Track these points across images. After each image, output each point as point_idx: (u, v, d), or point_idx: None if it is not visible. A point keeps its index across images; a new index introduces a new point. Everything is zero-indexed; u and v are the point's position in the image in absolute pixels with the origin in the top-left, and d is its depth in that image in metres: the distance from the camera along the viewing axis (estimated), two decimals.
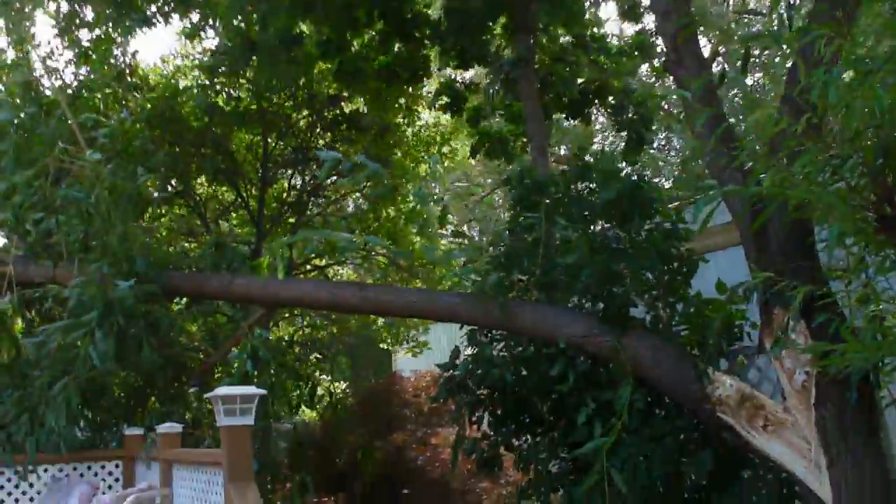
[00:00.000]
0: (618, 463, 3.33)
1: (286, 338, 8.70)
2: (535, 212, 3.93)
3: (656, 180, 13.35)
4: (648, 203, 3.74)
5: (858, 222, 2.46)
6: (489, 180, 14.74)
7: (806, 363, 2.92)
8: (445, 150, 9.38)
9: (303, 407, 7.62)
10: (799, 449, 2.95)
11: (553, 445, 3.89)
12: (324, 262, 9.43)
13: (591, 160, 4.03)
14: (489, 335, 4.41)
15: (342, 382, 10.01)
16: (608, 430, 3.27)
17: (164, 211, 8.71)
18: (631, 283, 3.68)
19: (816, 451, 2.86)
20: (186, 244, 8.67)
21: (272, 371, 4.96)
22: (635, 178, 3.79)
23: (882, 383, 2.74)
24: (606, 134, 14.72)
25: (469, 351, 4.43)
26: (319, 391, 7.73)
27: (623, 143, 7.81)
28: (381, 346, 10.41)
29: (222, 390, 3.45)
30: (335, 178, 7.76)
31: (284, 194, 9.36)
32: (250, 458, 3.41)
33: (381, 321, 9.19)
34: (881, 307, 2.64)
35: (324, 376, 9.32)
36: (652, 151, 14.08)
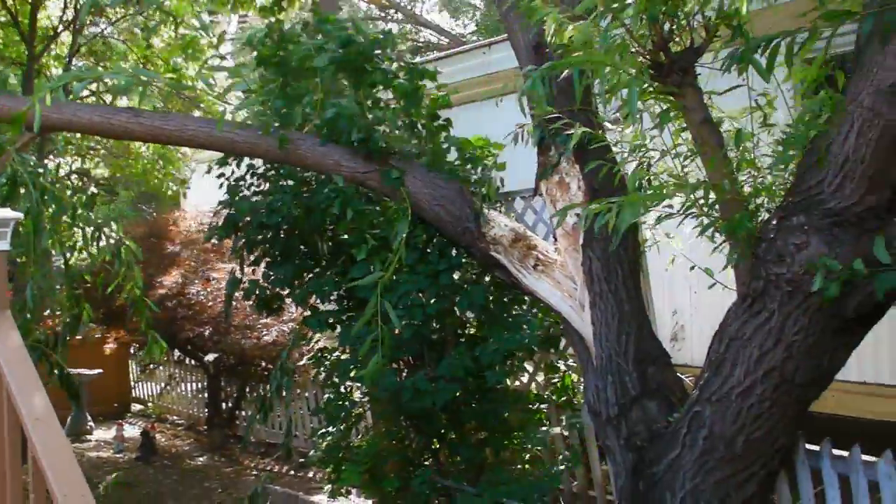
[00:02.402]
0: (394, 299, 3.21)
1: (63, 169, 7.72)
2: (281, 71, 3.55)
3: None
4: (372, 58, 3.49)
5: (634, 71, 2.33)
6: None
7: (578, 205, 2.85)
8: None
9: (79, 245, 6.88)
10: (566, 288, 2.96)
11: (333, 283, 3.69)
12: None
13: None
14: (270, 173, 4.06)
15: (123, 219, 9.03)
16: (385, 267, 3.12)
17: None
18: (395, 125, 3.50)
19: (581, 290, 2.87)
20: None
21: (35, 199, 4.23)
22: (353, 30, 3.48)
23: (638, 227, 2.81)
24: None
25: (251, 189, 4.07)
26: (96, 231, 6.98)
27: None
28: (166, 180, 9.44)
29: None
30: None
31: (60, 12, 7.78)
32: (5, 283, 2.90)
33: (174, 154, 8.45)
34: (650, 155, 2.62)
35: (100, 216, 8.35)
36: None
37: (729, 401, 2.37)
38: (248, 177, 4.09)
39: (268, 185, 4.01)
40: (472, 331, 3.72)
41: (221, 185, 4.14)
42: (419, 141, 3.66)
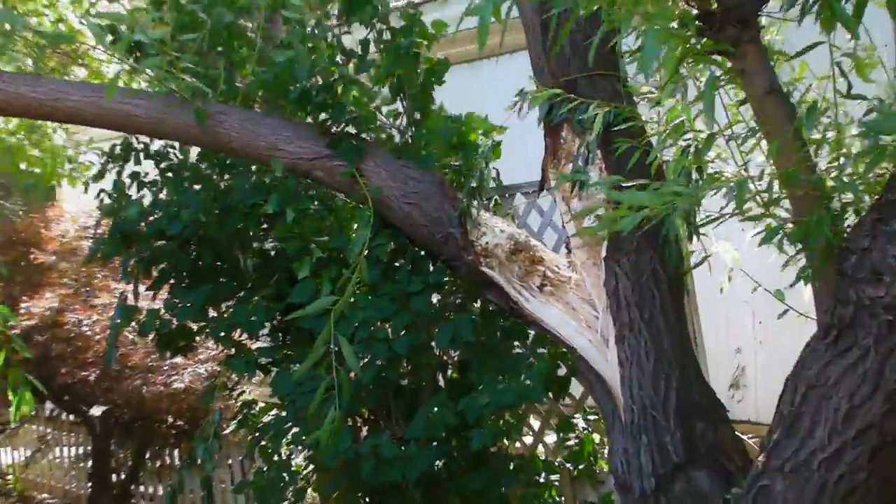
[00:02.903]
0: (348, 331, 3.23)
1: None
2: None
3: None
4: None
5: (675, 24, 2.34)
6: None
7: (601, 205, 2.88)
8: None
9: None
10: (583, 316, 2.97)
11: (265, 310, 3.70)
12: None
13: None
14: (179, 167, 4.12)
15: None
16: (339, 288, 3.12)
17: None
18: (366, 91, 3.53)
19: (605, 318, 2.88)
20: None
21: None
22: None
23: (692, 233, 2.81)
24: None
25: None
26: None
27: None
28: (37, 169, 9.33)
29: None
30: None
31: None
32: None
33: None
34: (698, 135, 2.58)
35: None
36: None
37: (808, 471, 2.34)
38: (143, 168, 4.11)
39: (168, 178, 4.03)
40: (456, 374, 3.74)
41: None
42: (397, 118, 3.73)
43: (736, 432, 2.87)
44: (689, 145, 2.70)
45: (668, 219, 2.13)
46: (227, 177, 4.01)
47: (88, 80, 7.14)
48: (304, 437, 3.51)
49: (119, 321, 4.05)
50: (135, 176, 4.21)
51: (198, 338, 4.14)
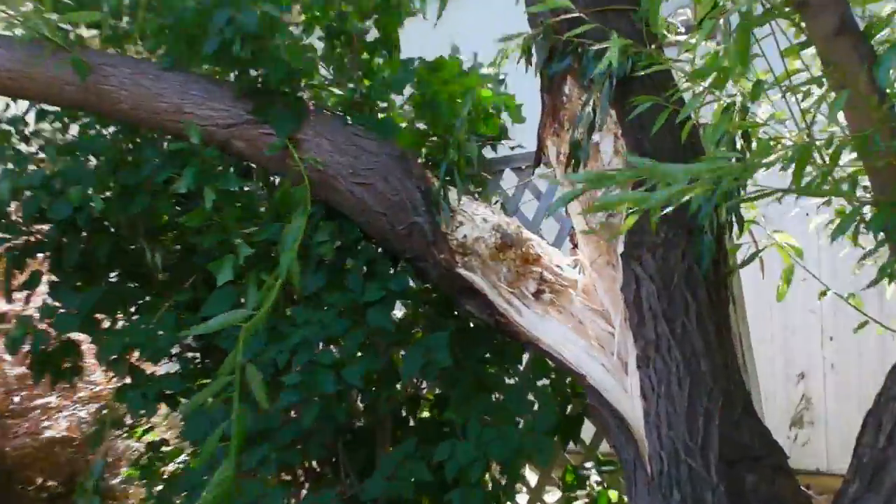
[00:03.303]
0: (283, 355, 3.22)
1: None
2: None
3: None
4: None
5: None
6: None
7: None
8: None
9: None
10: (593, 331, 2.97)
11: (174, 324, 3.63)
12: None
13: None
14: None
15: None
16: (261, 298, 3.10)
17: None
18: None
19: (622, 334, 2.86)
20: None
21: None
22: None
23: (738, 222, 2.77)
24: None
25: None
26: None
27: None
28: None
29: None
30: None
31: None
32: None
33: None
34: (745, 89, 2.54)
35: None
36: None
37: None
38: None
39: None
40: (430, 413, 3.75)
41: None
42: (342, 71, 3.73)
43: (799, 485, 2.83)
44: (732, 103, 2.67)
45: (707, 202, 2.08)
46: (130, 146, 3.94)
47: None
48: None
49: None
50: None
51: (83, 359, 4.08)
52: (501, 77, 3.73)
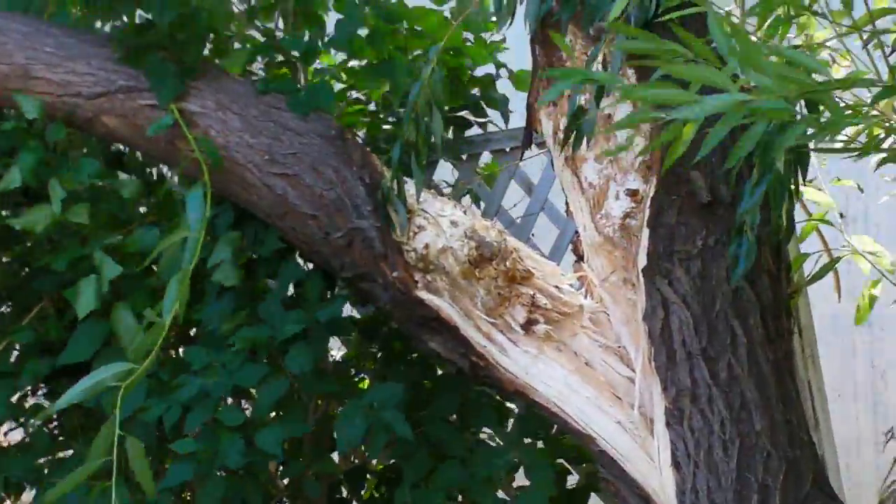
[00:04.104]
0: (174, 413, 3.22)
1: None
2: None
3: None
4: None
5: None
6: None
7: (636, 168, 2.89)
8: None
9: None
10: (606, 377, 2.97)
11: (12, 378, 3.62)
12: None
13: None
14: None
15: None
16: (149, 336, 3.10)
17: None
18: None
19: (646, 382, 2.86)
20: None
21: None
22: None
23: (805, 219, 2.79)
24: None
25: None
26: None
27: None
28: None
29: None
30: None
31: None
32: None
33: None
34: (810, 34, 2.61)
35: None
36: None
37: None
38: None
39: None
40: (377, 492, 3.76)
41: None
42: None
43: None
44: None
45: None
46: None
47: None
48: None
49: None
50: None
51: None
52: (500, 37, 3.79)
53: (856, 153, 2.35)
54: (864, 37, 2.61)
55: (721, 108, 1.93)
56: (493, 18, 3.47)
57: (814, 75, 2.10)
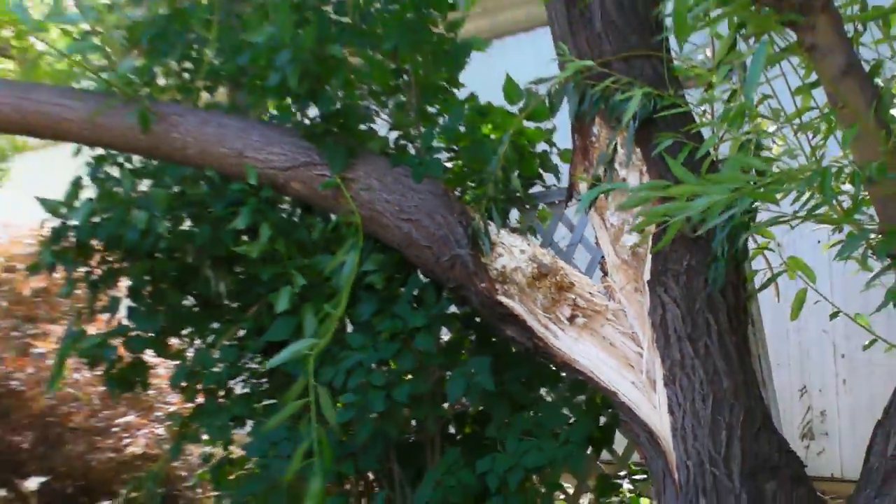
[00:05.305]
0: (339, 377, 3.27)
1: None
2: None
3: None
4: None
5: None
6: None
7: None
8: None
9: None
10: (625, 353, 2.96)
11: (238, 349, 3.72)
12: None
13: None
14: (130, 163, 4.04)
15: None
16: (321, 327, 3.16)
17: None
18: (360, 77, 3.53)
19: (650, 355, 2.87)
20: None
21: None
22: None
23: (755, 247, 2.78)
24: None
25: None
26: None
27: None
28: None
29: None
30: None
31: None
32: None
33: None
34: (758, 124, 2.58)
35: None
36: None
37: None
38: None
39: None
40: (472, 429, 3.75)
41: None
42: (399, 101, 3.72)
43: (816, 491, 2.84)
44: (749, 140, 2.69)
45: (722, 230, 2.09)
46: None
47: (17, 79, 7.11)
48: None
49: (64, 349, 3.99)
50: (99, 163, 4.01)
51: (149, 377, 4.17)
52: (549, 127, 3.73)
53: (790, 219, 2.36)
54: (795, 126, 2.63)
55: (700, 207, 2.01)
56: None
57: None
